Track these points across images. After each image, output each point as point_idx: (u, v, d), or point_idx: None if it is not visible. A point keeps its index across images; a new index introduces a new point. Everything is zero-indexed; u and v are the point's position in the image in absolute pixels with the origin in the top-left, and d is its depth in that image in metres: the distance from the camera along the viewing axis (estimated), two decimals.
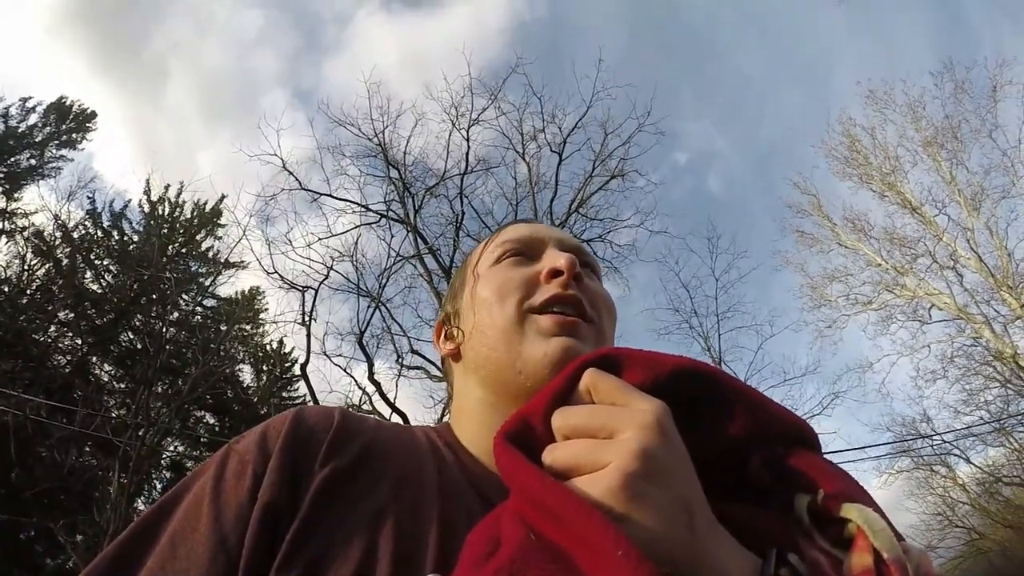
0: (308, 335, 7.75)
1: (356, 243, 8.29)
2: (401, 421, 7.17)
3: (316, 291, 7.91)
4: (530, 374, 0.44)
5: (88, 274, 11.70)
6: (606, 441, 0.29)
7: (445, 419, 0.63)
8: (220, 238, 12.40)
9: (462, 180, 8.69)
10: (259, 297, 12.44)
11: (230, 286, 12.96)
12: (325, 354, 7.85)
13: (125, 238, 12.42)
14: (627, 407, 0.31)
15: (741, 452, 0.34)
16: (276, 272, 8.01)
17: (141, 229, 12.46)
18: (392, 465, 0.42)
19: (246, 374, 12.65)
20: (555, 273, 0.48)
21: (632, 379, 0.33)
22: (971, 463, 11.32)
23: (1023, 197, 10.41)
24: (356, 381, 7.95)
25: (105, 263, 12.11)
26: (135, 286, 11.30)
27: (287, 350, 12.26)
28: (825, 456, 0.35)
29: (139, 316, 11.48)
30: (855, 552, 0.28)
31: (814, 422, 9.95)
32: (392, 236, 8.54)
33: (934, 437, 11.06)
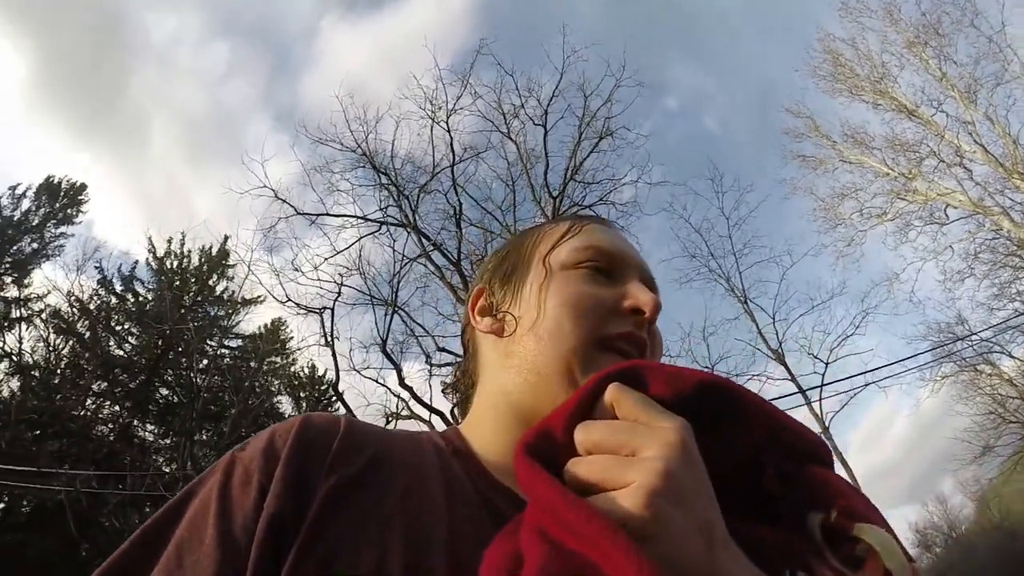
0: (334, 355, 7.84)
1: (360, 255, 8.33)
2: (439, 421, 7.23)
3: (332, 310, 7.98)
4: None
5: (112, 341, 11.90)
6: (629, 459, 0.29)
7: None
8: (231, 278, 12.64)
9: (453, 171, 8.65)
10: (283, 327, 12.65)
11: (252, 322, 13.18)
12: (355, 369, 7.92)
13: (140, 299, 12.63)
14: (650, 424, 0.31)
15: (755, 466, 0.34)
16: (290, 300, 8.11)
17: (154, 287, 12.66)
18: (398, 475, 0.41)
19: (285, 404, 12.87)
20: (637, 311, 0.47)
21: (655, 394, 0.33)
22: (1014, 357, 11.13)
23: (1018, 80, 10.12)
24: (390, 390, 8.01)
25: (126, 327, 12.32)
26: (159, 343, 11.47)
27: (320, 373, 12.41)
28: (839, 474, 0.36)
29: (169, 371, 11.69)
30: (866, 572, 0.28)
31: (849, 342, 9.94)
32: (394, 241, 8.59)
33: (972, 337, 10.89)
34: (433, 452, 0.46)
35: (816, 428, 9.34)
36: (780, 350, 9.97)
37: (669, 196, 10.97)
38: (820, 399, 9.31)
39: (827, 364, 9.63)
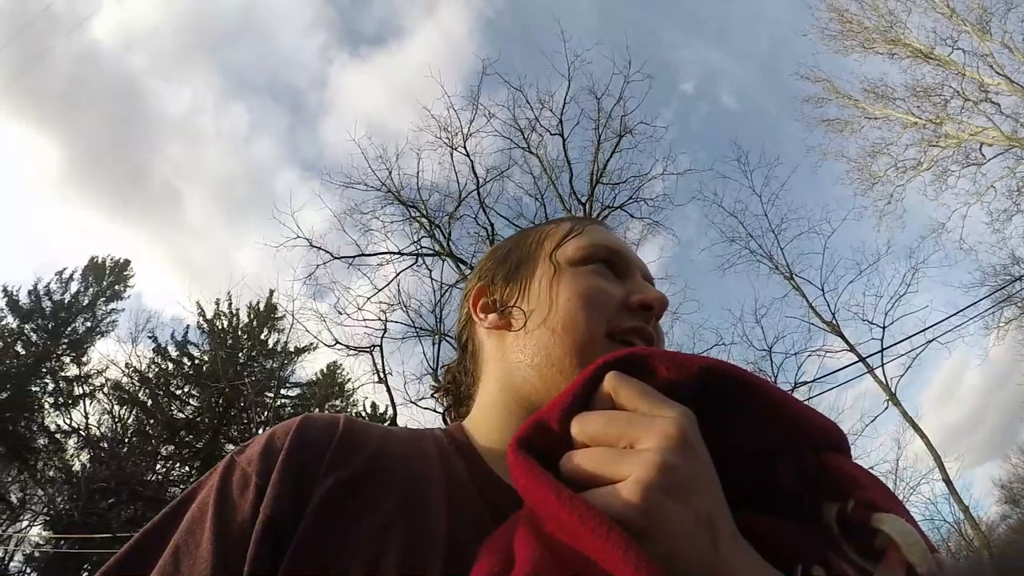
0: (388, 390, 7.94)
1: (399, 289, 8.46)
2: None
3: (380, 347, 8.09)
4: None
5: (173, 405, 12.30)
6: (627, 451, 0.28)
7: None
8: (282, 330, 12.89)
9: (479, 194, 8.74)
10: (339, 370, 12.88)
11: (308, 369, 13.42)
12: (411, 402, 7.99)
13: (195, 361, 13.00)
14: (649, 414, 0.29)
15: (768, 455, 0.33)
16: (338, 343, 8.24)
17: (207, 347, 13.03)
18: (398, 476, 0.41)
19: None
20: (646, 306, 0.48)
21: (657, 381, 0.32)
22: None
23: None
24: (447, 420, 8.05)
25: (185, 389, 12.72)
26: (219, 401, 11.81)
27: (381, 410, 12.57)
28: (856, 462, 0.34)
29: (234, 427, 11.99)
30: (886, 565, 0.27)
31: (904, 302, 9.59)
32: (431, 271, 8.68)
33: None
34: (435, 450, 0.46)
35: (883, 396, 9.04)
36: (834, 321, 9.70)
37: (698, 184, 10.81)
38: (882, 365, 9.00)
39: (884, 328, 9.32)
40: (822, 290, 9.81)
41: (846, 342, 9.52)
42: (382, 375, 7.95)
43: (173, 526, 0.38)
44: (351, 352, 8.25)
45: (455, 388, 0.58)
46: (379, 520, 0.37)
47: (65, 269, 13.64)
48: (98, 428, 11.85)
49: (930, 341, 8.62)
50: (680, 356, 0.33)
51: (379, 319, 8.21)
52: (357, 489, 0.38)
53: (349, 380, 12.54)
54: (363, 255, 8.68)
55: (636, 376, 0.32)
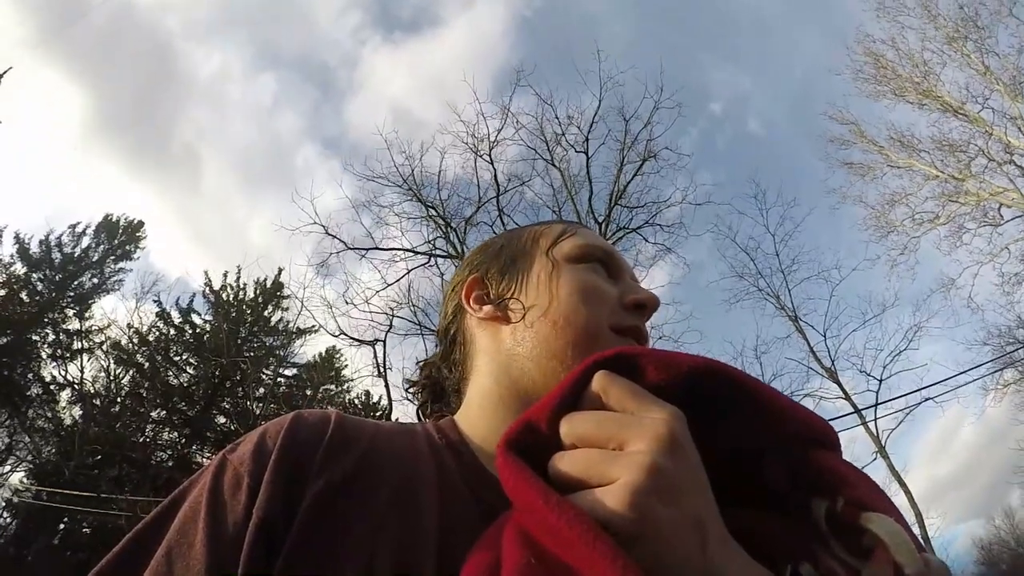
0: (387, 385, 7.97)
1: (409, 288, 8.46)
2: None
3: (384, 342, 8.10)
4: None
5: (170, 371, 12.35)
6: (616, 453, 0.28)
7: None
8: (286, 309, 12.90)
9: (498, 202, 8.77)
10: (337, 356, 12.84)
11: (307, 351, 13.36)
12: (407, 399, 7.98)
13: (197, 330, 13.01)
14: (639, 415, 0.29)
15: (757, 452, 0.32)
16: (343, 333, 8.27)
17: (211, 318, 13.05)
18: (389, 474, 0.41)
19: None
20: (639, 305, 0.50)
21: (647, 380, 0.31)
22: None
23: None
24: (420, 416, 8.02)
25: (184, 357, 12.76)
26: (217, 373, 11.86)
27: (375, 400, 12.61)
28: (846, 460, 0.33)
29: (227, 399, 12.04)
30: (874, 564, 0.26)
31: (903, 357, 9.58)
32: (443, 273, 8.68)
33: None
34: (427, 446, 0.45)
35: (872, 447, 9.03)
36: (833, 368, 9.70)
37: (715, 216, 10.84)
38: (875, 418, 9.01)
39: (881, 381, 9.33)
40: (824, 336, 9.84)
41: (842, 390, 9.54)
42: (382, 369, 7.97)
43: (165, 526, 0.37)
44: (354, 343, 8.29)
45: (431, 384, 0.58)
46: (371, 520, 0.37)
47: (79, 223, 13.72)
48: (92, 385, 11.91)
49: (925, 400, 8.64)
50: (669, 355, 0.32)
51: (385, 313, 8.24)
52: (349, 488, 0.38)
53: (346, 366, 12.60)
54: (377, 248, 8.72)
55: (625, 375, 0.31)
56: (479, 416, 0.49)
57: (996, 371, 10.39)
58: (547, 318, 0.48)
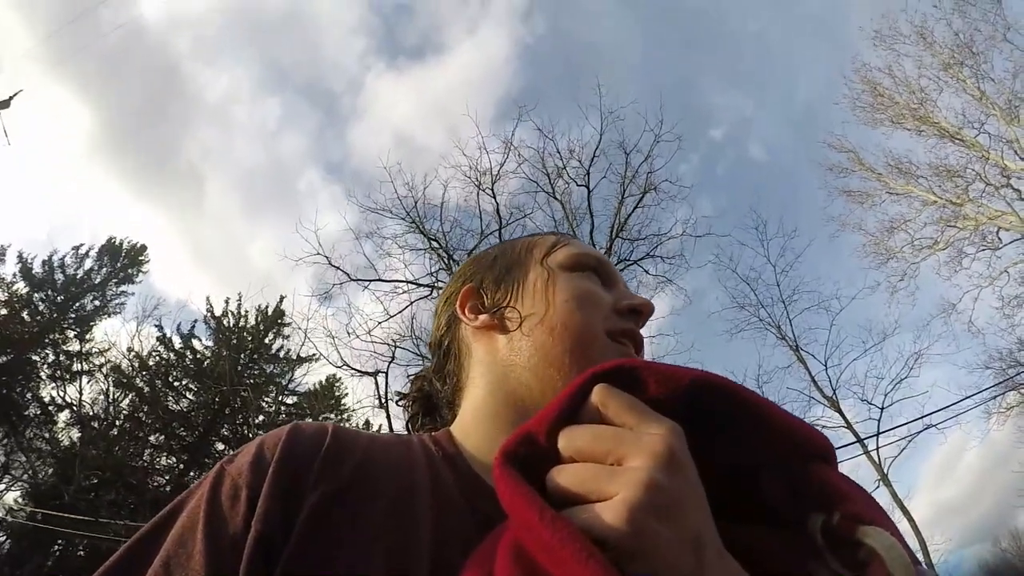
0: (388, 417, 7.89)
1: (412, 320, 8.45)
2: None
3: (386, 373, 8.07)
4: None
5: (170, 396, 12.31)
6: (614, 469, 0.28)
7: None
8: (288, 337, 12.91)
9: (500, 235, 8.74)
10: (337, 384, 12.82)
11: (308, 379, 13.29)
12: (408, 431, 7.90)
13: (198, 355, 13.01)
14: (637, 431, 0.29)
15: (755, 468, 0.32)
16: (345, 364, 8.24)
17: (211, 343, 13.05)
18: (384, 485, 0.41)
19: None
20: (634, 310, 0.51)
21: (647, 394, 0.31)
22: None
23: None
24: (409, 429, 7.94)
25: (184, 382, 12.73)
26: (217, 399, 11.82)
27: (374, 429, 12.55)
28: (843, 473, 0.33)
29: (226, 426, 11.97)
30: None
31: (904, 384, 9.57)
32: None
33: None
34: (423, 458, 0.45)
35: (875, 476, 8.97)
36: (835, 397, 9.67)
37: (716, 246, 10.90)
38: (877, 447, 8.96)
39: (882, 409, 9.29)
40: (825, 365, 9.82)
41: (844, 420, 9.50)
42: (383, 401, 7.94)
43: (162, 536, 0.37)
44: (356, 374, 8.27)
45: (423, 397, 0.58)
46: (366, 530, 0.37)
47: (82, 245, 13.78)
48: (91, 407, 11.86)
49: (927, 427, 8.60)
50: (670, 368, 0.32)
51: (387, 344, 8.23)
52: (344, 499, 0.38)
53: (347, 395, 12.57)
54: (379, 280, 8.73)
55: (625, 388, 0.31)
56: (474, 427, 0.49)
57: (999, 395, 10.37)
58: (544, 325, 0.48)
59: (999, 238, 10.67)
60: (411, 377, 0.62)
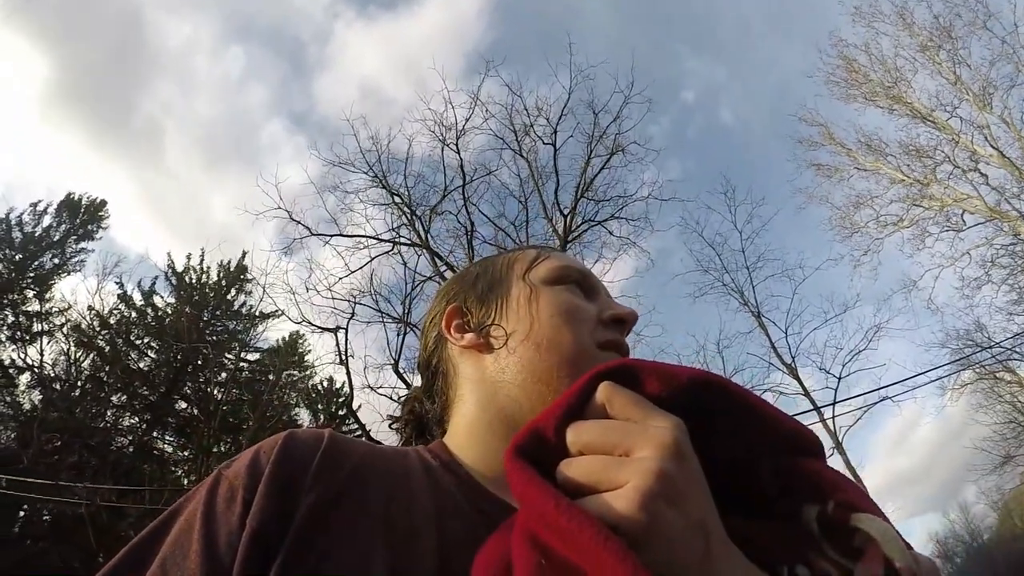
0: (348, 373, 7.88)
1: (372, 276, 8.38)
2: None
3: (346, 330, 8.02)
4: None
5: (132, 355, 12.09)
6: (623, 459, 0.29)
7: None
8: (250, 293, 12.72)
9: (464, 192, 8.68)
10: (301, 341, 12.74)
11: (270, 337, 13.25)
12: (369, 387, 7.93)
13: (159, 313, 12.76)
14: (643, 424, 0.30)
15: (750, 462, 0.34)
16: (305, 320, 8.17)
17: (173, 300, 12.80)
18: (381, 487, 0.42)
19: (303, 417, 12.91)
20: (619, 320, 0.51)
21: (648, 392, 0.33)
22: None
23: None
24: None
25: (145, 340, 12.50)
26: (179, 357, 11.64)
27: (337, 386, 12.52)
28: (832, 465, 0.35)
29: (188, 384, 11.83)
30: (866, 562, 0.28)
31: (862, 356, 9.84)
32: (404, 261, 8.62)
33: (992, 347, 10.73)
34: (420, 465, 0.46)
35: (829, 442, 9.28)
36: (793, 364, 9.92)
37: (683, 210, 10.96)
38: (833, 416, 9.24)
39: (840, 379, 9.57)
40: (786, 333, 10.05)
41: (802, 386, 9.77)
42: (344, 357, 7.90)
43: (160, 540, 0.38)
44: (316, 330, 8.20)
45: (415, 419, 0.59)
46: (365, 533, 0.38)
47: (40, 201, 13.27)
48: (52, 368, 11.60)
49: (883, 399, 8.89)
50: (670, 368, 0.34)
51: (348, 301, 8.16)
52: (340, 500, 0.39)
53: (310, 352, 12.49)
54: (341, 235, 8.60)
55: (627, 387, 0.32)
56: (467, 441, 0.50)
57: (954, 373, 10.74)
58: (530, 341, 0.49)
59: (963, 220, 10.93)
60: (401, 400, 0.64)
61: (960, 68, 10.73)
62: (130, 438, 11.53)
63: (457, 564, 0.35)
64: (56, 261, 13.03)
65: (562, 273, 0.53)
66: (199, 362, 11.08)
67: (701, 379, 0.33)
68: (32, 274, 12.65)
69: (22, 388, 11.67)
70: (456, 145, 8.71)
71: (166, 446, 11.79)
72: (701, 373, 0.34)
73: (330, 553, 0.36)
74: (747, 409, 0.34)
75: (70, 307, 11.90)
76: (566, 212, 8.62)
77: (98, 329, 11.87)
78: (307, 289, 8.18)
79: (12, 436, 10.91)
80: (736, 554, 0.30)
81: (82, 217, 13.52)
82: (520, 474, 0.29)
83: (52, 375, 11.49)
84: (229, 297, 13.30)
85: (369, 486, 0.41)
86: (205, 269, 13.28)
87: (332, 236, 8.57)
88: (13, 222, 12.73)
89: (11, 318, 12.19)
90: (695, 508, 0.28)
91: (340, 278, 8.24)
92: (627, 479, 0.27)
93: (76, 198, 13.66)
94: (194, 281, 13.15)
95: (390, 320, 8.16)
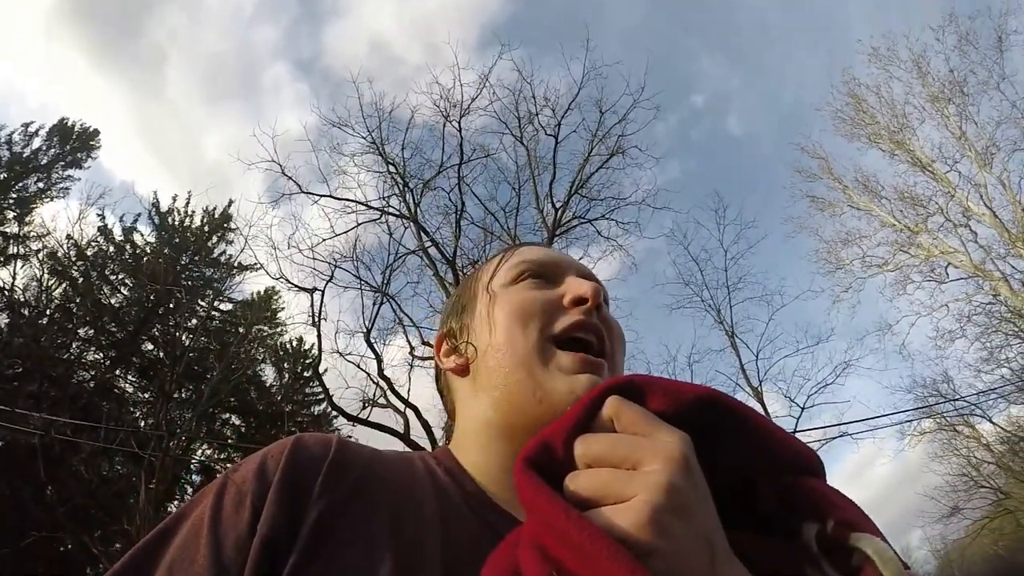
0: (319, 336, 7.85)
1: (356, 241, 8.33)
2: (413, 416, 7.24)
3: (323, 292, 7.98)
4: (552, 404, 0.45)
5: (105, 289, 11.91)
6: (631, 472, 0.29)
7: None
8: (231, 242, 12.62)
9: (460, 171, 8.65)
10: (275, 297, 12.65)
11: (247, 287, 13.13)
12: (338, 352, 7.90)
13: (138, 251, 12.57)
14: (651, 438, 0.31)
15: (751, 479, 0.35)
16: (283, 277, 8.10)
17: (153, 241, 12.64)
18: (388, 494, 0.42)
19: (268, 374, 12.85)
20: (579, 300, 0.49)
21: (654, 407, 0.33)
22: (994, 423, 11.18)
23: None
24: (370, 376, 7.90)
25: (120, 277, 12.32)
26: (152, 297, 11.49)
27: (306, 347, 12.43)
28: (832, 485, 0.36)
29: (158, 326, 11.68)
30: None
31: (828, 390, 10.01)
32: (390, 232, 8.58)
33: (956, 400, 10.93)
34: (425, 472, 0.47)
35: None
36: (760, 388, 10.03)
37: (672, 221, 11.01)
38: None
39: (803, 409, 9.69)
40: (756, 356, 10.12)
41: (765, 411, 9.84)
42: (316, 319, 7.85)
43: (166, 544, 0.38)
44: (293, 288, 8.14)
45: (449, 427, 0.64)
46: (371, 537, 0.38)
47: (32, 123, 12.99)
48: (23, 293, 11.39)
49: (843, 435, 9.03)
50: (675, 384, 0.34)
51: (328, 263, 8.10)
52: (348, 507, 0.39)
53: (283, 309, 12.38)
54: (330, 196, 8.53)
55: (634, 402, 0.33)
56: (470, 447, 0.51)
57: (916, 419, 10.94)
58: (492, 349, 0.50)
59: (947, 273, 11.09)
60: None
61: (967, 124, 10.86)
62: (92, 373, 11.39)
63: (460, 568, 0.36)
64: (40, 185, 12.79)
65: (518, 270, 0.53)
66: (171, 305, 10.92)
67: (707, 397, 0.34)
68: (15, 195, 12.40)
69: None
70: (459, 123, 8.67)
71: (127, 386, 11.67)
72: (707, 391, 0.34)
73: (337, 561, 0.36)
74: (751, 428, 0.34)
75: (48, 233, 11.69)
76: (558, 205, 8.66)
77: (74, 259, 11.67)
78: (289, 246, 8.15)
79: None
80: (740, 569, 0.30)
81: (73, 144, 13.25)
82: (529, 484, 0.30)
83: (22, 300, 11.28)
84: (210, 244, 13.13)
85: (376, 494, 0.42)
86: (190, 213, 13.12)
87: (321, 196, 8.52)
88: (3, 140, 12.47)
89: None
90: (702, 522, 0.28)
91: (323, 239, 8.22)
92: (635, 492, 0.28)
93: (69, 124, 13.39)
94: (177, 223, 12.96)
95: (368, 288, 8.15)
